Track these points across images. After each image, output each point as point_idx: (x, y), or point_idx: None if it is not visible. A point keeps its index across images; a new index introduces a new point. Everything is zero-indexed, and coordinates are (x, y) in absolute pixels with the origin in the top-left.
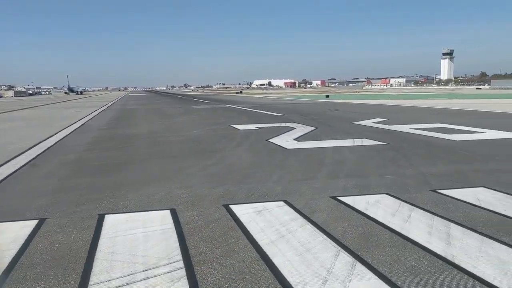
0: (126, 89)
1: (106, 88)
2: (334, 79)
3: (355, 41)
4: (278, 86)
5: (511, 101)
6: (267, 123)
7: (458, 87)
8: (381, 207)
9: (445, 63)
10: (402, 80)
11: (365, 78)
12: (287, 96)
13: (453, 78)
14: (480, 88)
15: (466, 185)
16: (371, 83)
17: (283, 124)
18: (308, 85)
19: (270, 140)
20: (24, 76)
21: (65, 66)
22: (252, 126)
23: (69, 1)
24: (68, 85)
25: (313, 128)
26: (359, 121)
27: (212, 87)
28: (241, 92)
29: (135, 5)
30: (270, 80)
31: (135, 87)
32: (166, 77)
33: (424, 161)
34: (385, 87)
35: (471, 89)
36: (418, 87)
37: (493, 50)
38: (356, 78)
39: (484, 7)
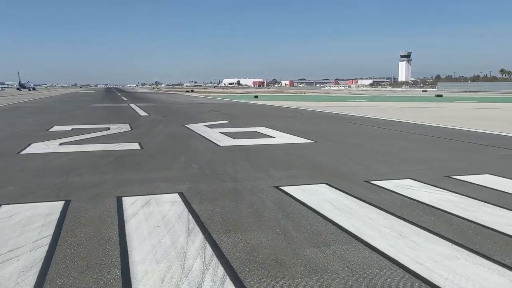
0: (97, 85)
1: (75, 84)
2: (304, 79)
3: (328, 42)
4: (246, 85)
5: (415, 104)
6: (103, 124)
7: (409, 89)
8: None
9: (402, 66)
10: (369, 81)
11: (334, 79)
12: (228, 96)
13: (411, 80)
14: (426, 91)
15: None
16: (339, 84)
17: (114, 125)
18: (277, 85)
19: (33, 144)
20: None
21: (40, 63)
22: (68, 128)
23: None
24: (19, 81)
25: (129, 129)
26: (196, 123)
27: (183, 84)
28: (192, 91)
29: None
30: (240, 79)
31: (106, 84)
32: (141, 75)
33: (122, 170)
34: (343, 88)
35: (417, 91)
36: (372, 88)
37: (454, 54)
38: (326, 79)
39: (445, 12)
